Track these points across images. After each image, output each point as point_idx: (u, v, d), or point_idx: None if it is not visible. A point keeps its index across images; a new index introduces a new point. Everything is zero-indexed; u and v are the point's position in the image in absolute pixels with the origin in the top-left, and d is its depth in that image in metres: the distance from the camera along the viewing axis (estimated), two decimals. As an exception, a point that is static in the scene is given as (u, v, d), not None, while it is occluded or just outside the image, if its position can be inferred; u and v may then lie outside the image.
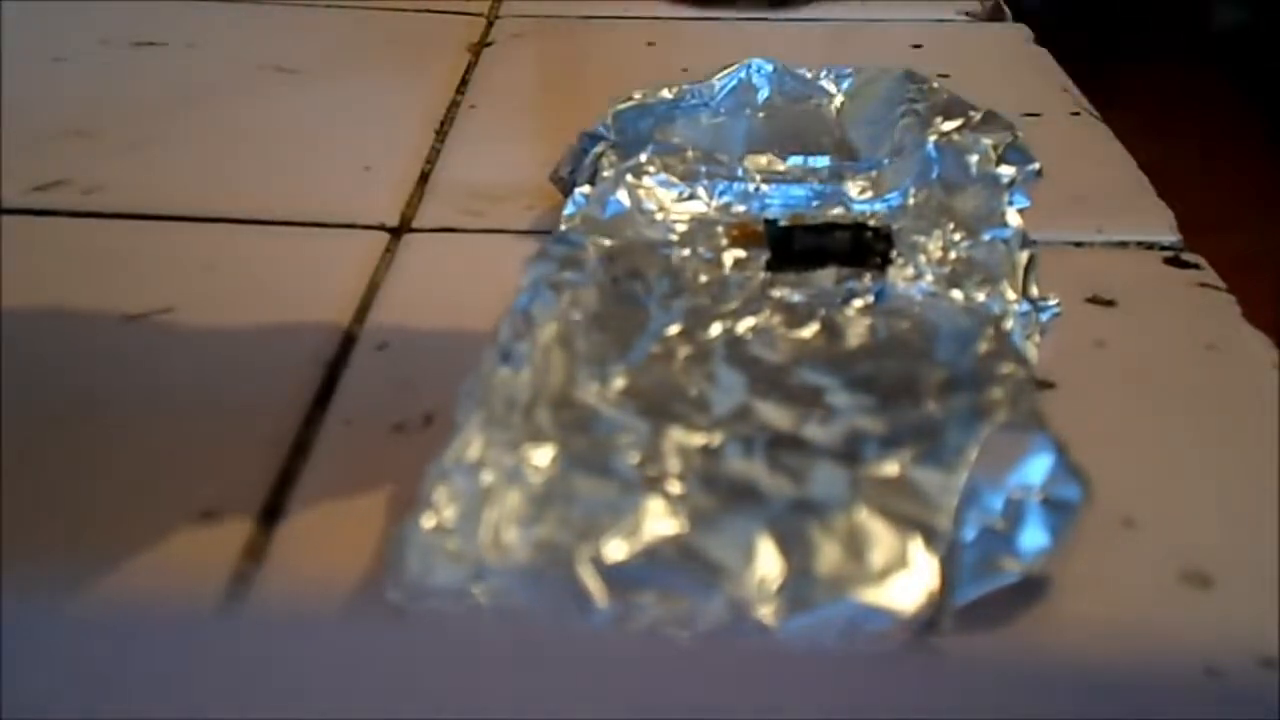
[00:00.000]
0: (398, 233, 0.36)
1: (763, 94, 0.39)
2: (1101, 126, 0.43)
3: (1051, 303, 0.30)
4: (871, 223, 0.32)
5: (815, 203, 0.34)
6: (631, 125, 0.36)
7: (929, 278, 0.29)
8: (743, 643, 0.20)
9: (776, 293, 0.29)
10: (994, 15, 0.55)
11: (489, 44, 0.51)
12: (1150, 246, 0.35)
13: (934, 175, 0.33)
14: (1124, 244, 0.35)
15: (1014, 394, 0.25)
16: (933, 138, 0.34)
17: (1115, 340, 0.31)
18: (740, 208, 0.33)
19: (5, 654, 0.14)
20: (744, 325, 0.28)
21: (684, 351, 0.27)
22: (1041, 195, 0.33)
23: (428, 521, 0.22)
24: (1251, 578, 0.24)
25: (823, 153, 0.36)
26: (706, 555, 0.22)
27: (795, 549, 0.22)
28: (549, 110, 0.44)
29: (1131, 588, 0.24)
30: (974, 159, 0.33)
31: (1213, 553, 0.24)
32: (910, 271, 0.30)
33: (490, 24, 0.53)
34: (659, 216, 0.33)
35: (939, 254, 0.30)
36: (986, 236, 0.30)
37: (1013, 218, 0.31)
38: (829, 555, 0.22)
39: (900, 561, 0.22)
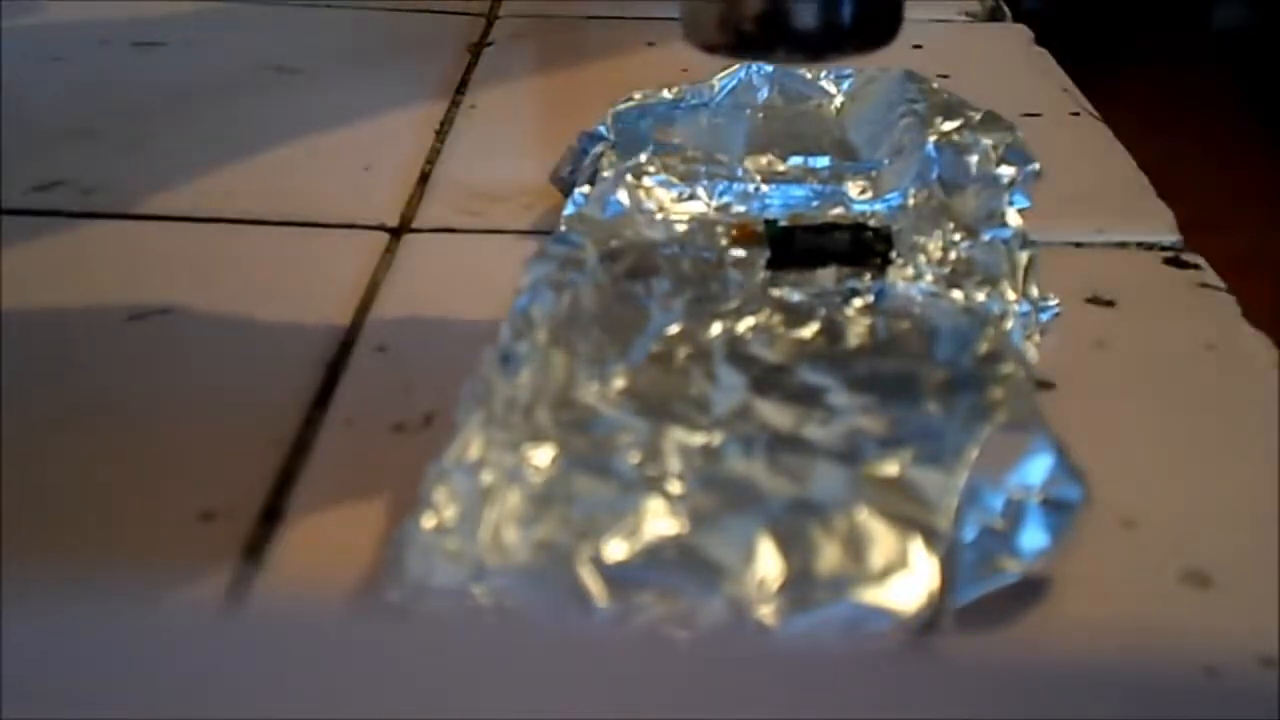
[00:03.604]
0: (398, 233, 0.36)
1: (763, 94, 0.39)
2: (1101, 126, 0.43)
3: (1051, 303, 0.30)
4: (871, 223, 0.32)
5: (815, 203, 0.34)
6: (631, 125, 0.36)
7: (929, 278, 0.29)
8: (743, 643, 0.20)
9: (776, 292, 0.29)
10: (994, 15, 0.55)
11: (489, 44, 0.51)
12: (1150, 246, 0.35)
13: (934, 175, 0.33)
14: (1124, 244, 0.35)
15: (1014, 394, 0.25)
16: (932, 138, 0.34)
17: (1115, 340, 0.31)
18: (740, 208, 0.33)
19: (5, 654, 0.14)
20: (744, 325, 0.28)
21: (684, 351, 0.27)
22: (1041, 195, 0.33)
23: (428, 521, 0.22)
24: (1251, 578, 0.24)
25: (823, 153, 0.36)
26: (706, 555, 0.22)
27: (795, 549, 0.22)
28: (549, 110, 0.44)
29: (1131, 588, 0.24)
30: (974, 159, 0.33)
31: (1213, 553, 0.24)
32: (910, 271, 0.30)
33: (490, 24, 0.53)
34: (659, 216, 0.33)
35: (939, 254, 0.30)
36: (986, 236, 0.30)
37: (1013, 218, 0.31)
38: (829, 555, 0.22)
39: (900, 562, 0.22)
